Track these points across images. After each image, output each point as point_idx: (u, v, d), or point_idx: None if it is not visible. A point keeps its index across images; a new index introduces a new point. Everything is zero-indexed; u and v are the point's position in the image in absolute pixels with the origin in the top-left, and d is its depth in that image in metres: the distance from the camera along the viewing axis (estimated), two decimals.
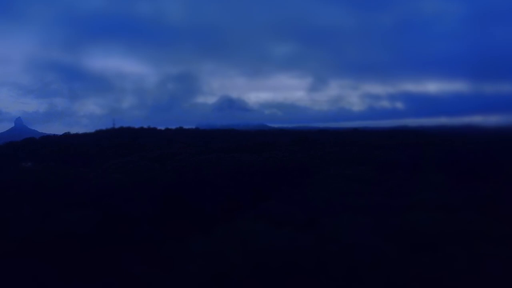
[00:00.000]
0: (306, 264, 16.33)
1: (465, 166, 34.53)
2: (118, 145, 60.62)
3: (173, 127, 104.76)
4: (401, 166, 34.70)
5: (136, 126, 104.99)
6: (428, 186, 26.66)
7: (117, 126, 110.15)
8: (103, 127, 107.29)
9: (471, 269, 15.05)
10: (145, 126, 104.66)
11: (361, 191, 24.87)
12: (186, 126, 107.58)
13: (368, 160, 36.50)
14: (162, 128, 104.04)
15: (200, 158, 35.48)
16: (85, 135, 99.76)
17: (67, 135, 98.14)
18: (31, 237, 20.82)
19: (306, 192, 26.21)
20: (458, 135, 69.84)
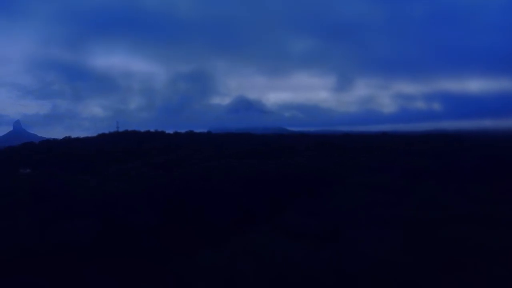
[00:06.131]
0: (326, 282, 16.36)
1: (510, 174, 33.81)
2: (122, 150, 61.80)
3: (182, 130, 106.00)
4: (435, 174, 34.26)
5: (142, 129, 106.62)
6: (466, 197, 26.25)
7: (121, 129, 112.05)
8: (106, 131, 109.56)
9: None
10: (152, 130, 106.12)
11: (389, 201, 24.71)
12: (197, 130, 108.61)
13: (397, 167, 36.21)
14: (171, 131, 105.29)
15: (211, 164, 35.91)
16: (86, 139, 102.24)
17: (67, 139, 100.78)
18: (27, 248, 21.46)
19: (327, 202, 26.21)
20: (504, 139, 68.31)
